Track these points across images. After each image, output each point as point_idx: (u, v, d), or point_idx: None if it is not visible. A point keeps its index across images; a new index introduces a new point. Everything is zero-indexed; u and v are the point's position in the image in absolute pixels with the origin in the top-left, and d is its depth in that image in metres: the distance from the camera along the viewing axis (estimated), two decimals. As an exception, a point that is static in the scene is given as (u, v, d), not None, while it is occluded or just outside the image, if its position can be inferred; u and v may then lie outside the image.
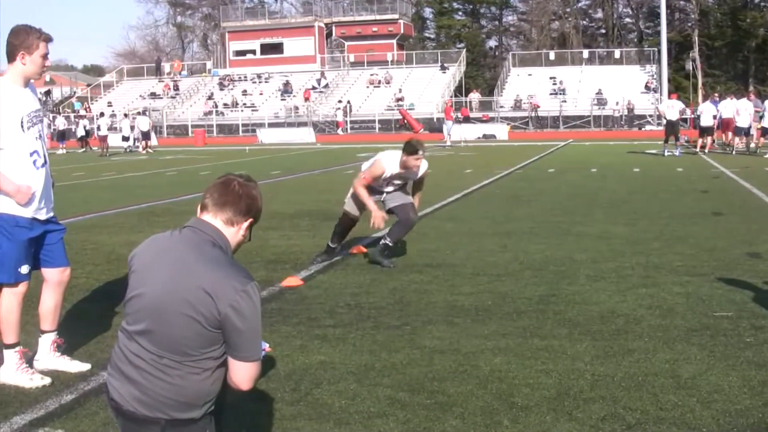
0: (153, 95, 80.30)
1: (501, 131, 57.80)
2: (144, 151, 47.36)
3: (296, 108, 72.80)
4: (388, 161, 10.43)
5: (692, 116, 37.21)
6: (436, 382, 6.04)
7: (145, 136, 49.01)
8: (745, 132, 34.07)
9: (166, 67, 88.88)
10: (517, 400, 5.65)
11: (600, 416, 5.35)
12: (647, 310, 8.04)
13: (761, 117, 34.69)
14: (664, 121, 34.98)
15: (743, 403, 5.54)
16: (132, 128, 50.73)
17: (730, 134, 34.78)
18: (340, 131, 68.05)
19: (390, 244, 10.66)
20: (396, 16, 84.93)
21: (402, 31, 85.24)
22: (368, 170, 10.53)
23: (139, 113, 55.99)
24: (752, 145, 35.10)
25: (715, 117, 34.73)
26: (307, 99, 74.36)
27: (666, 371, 6.19)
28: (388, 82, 76.89)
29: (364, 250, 11.54)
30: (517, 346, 6.90)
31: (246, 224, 3.75)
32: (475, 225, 14.07)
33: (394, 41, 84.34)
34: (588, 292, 8.87)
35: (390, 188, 10.74)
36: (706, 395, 5.68)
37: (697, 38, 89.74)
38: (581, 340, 7.03)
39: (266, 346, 4.67)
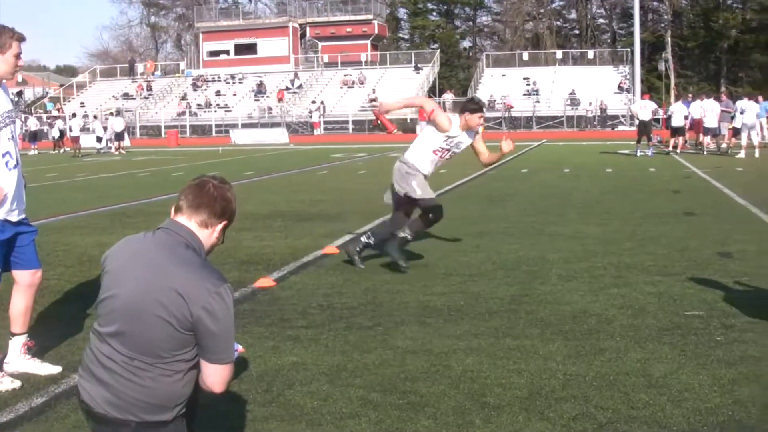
0: (126, 96, 79.89)
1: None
2: (117, 152, 47.16)
3: (270, 109, 72.65)
4: (453, 120, 10.05)
5: (664, 116, 37.34)
6: (409, 382, 6.05)
7: (119, 137, 48.80)
8: (714, 132, 34.26)
9: (139, 67, 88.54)
10: (489, 400, 5.66)
11: (572, 415, 5.37)
12: (619, 309, 8.08)
13: (732, 117, 34.91)
14: (637, 122, 35.14)
15: (713, 402, 5.57)
16: (105, 129, 50.51)
17: (700, 134, 35.04)
18: (317, 132, 68.01)
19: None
20: (370, 17, 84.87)
21: (376, 32, 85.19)
22: (437, 113, 10.04)
23: (112, 114, 55.75)
24: (723, 145, 35.31)
25: (686, 117, 34.91)
26: (280, 99, 74.24)
27: (637, 370, 6.22)
28: (362, 83, 76.84)
29: (337, 251, 11.53)
30: (489, 346, 6.91)
31: (220, 227, 3.73)
32: (448, 225, 14.03)
33: (369, 42, 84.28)
34: (560, 292, 8.90)
35: (437, 161, 10.28)
36: (677, 394, 5.72)
37: (669, 39, 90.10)
38: (553, 339, 7.06)
39: (239, 347, 4.67)
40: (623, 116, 64.91)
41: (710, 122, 33.79)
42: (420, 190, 10.02)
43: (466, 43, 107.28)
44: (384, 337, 7.23)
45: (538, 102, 70.17)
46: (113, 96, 79.82)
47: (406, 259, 10.31)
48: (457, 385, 5.96)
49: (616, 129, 63.13)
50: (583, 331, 7.31)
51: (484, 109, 9.94)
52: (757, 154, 31.13)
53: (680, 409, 5.45)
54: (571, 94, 69.51)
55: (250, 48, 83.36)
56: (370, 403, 5.64)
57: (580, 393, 5.76)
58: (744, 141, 32.19)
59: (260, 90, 76.93)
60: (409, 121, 63.87)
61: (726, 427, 5.16)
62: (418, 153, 10.16)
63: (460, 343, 6.99)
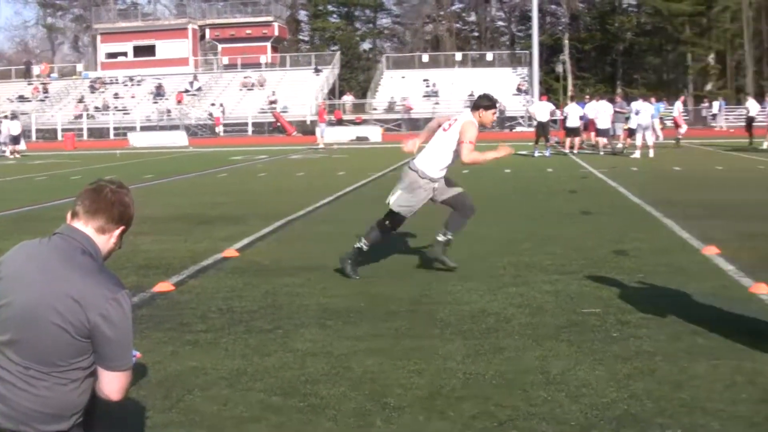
0: (22, 98, 78.42)
1: (374, 133, 58.02)
2: (12, 156, 46.19)
3: (169, 111, 71.97)
4: (473, 119, 9.81)
5: (561, 117, 37.93)
6: (309, 384, 6.03)
7: (15, 140, 47.76)
8: (607, 133, 34.84)
9: (35, 69, 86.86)
10: (390, 401, 5.67)
11: (472, 414, 5.41)
12: (517, 308, 8.16)
13: (627, 118, 35.58)
14: (535, 123, 35.57)
15: (610, 396, 5.66)
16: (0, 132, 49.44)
17: (593, 135, 35.68)
18: (218, 129, 67.67)
19: (452, 238, 10.12)
20: (270, 19, 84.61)
21: (276, 34, 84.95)
22: (471, 136, 9.59)
23: (7, 117, 54.54)
24: (619, 145, 35.94)
25: (581, 118, 35.45)
26: (179, 102, 73.56)
27: (536, 368, 6.29)
28: (261, 85, 76.51)
29: (237, 254, 11.45)
30: (389, 347, 6.93)
31: (118, 232, 3.67)
32: (348, 227, 14.03)
33: (269, 44, 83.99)
34: (459, 292, 8.96)
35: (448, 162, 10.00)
36: (575, 390, 5.80)
37: (567, 41, 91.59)
38: (453, 339, 7.10)
39: (136, 353, 4.60)
40: (522, 117, 65.73)
41: (603, 123, 34.39)
42: (397, 201, 9.97)
43: (366, 45, 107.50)
44: (284, 340, 7.20)
45: (438, 104, 70.68)
46: (8, 99, 78.16)
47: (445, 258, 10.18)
48: (358, 387, 5.96)
49: (514, 130, 63.86)
50: (482, 331, 7.36)
51: (498, 105, 9.79)
52: (651, 154, 31.73)
53: (578, 404, 5.53)
54: (470, 95, 69.96)
55: (149, 50, 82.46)
56: (270, 407, 5.61)
57: (479, 391, 5.81)
58: (639, 141, 32.79)
59: (159, 92, 76.15)
60: (308, 123, 63.88)
61: (622, 421, 5.25)
62: (438, 161, 9.86)
63: (360, 345, 6.99)
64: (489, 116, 9.82)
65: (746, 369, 6.17)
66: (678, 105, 42.80)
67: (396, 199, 9.92)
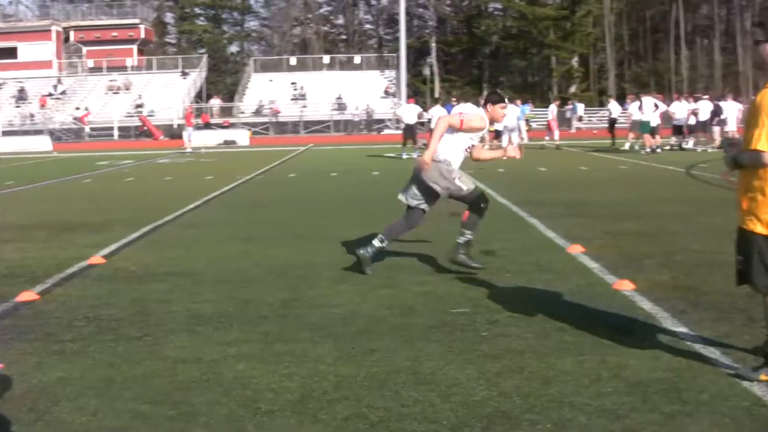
0: None
1: (242, 137, 57.64)
2: None
3: (32, 115, 70.28)
4: (483, 114, 9.74)
5: (428, 120, 38.24)
6: (180, 392, 5.95)
7: None
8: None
9: None
10: (262, 406, 5.64)
11: (344, 416, 5.41)
12: (388, 310, 8.20)
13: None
14: (403, 125, 35.80)
15: (480, 395, 5.74)
16: None
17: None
18: (87, 129, 66.49)
19: (472, 237, 10.06)
20: (136, 21, 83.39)
21: (143, 36, 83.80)
22: (469, 120, 9.59)
23: None
24: (487, 146, 36.43)
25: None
26: (43, 106, 71.93)
27: (407, 368, 6.33)
28: (127, 89, 75.34)
29: (104, 260, 11.26)
30: (260, 351, 6.89)
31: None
32: (216, 231, 13.98)
33: (135, 46, 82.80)
34: (329, 294, 8.96)
35: (464, 158, 10.01)
36: (446, 389, 5.85)
37: (434, 44, 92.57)
38: (324, 342, 7.10)
39: (-1, 364, 4.50)
40: (389, 120, 66.11)
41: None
42: (465, 186, 9.78)
43: (233, 48, 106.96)
44: (153, 348, 7.10)
45: (306, 107, 70.69)
46: None
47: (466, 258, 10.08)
48: (229, 393, 5.91)
49: (382, 133, 64.22)
50: (353, 333, 7.38)
51: (506, 100, 9.87)
52: (517, 156, 32.17)
53: (449, 403, 5.58)
54: (338, 98, 70.34)
55: (11, 52, 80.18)
56: (140, 416, 5.52)
57: (351, 394, 5.82)
58: (505, 143, 33.30)
59: (21, 96, 74.33)
60: (176, 126, 63.18)
61: (492, 418, 5.32)
62: (452, 153, 9.80)
63: (230, 350, 6.94)
64: (498, 111, 9.83)
65: (611, 363, 6.33)
66: (552, 108, 43.79)
67: (441, 190, 9.83)
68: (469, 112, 9.86)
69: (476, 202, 9.93)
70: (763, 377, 5.85)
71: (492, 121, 9.98)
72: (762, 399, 5.55)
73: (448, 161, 9.76)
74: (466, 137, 9.78)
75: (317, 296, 8.91)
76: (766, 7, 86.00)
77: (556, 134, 41.50)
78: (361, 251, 10.05)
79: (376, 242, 10.07)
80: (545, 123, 41.41)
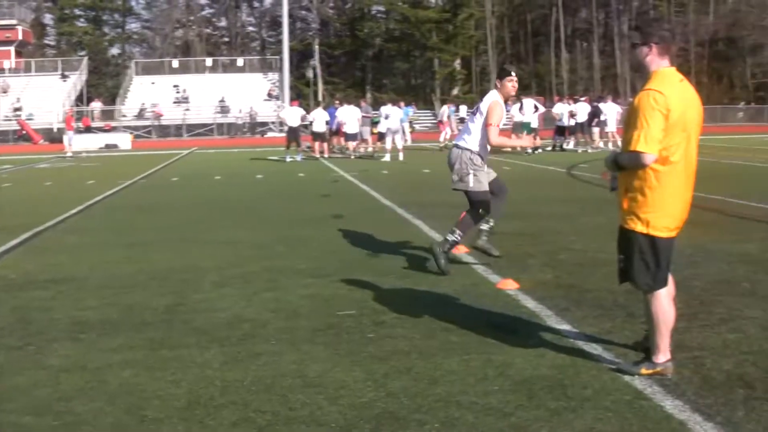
0: None
1: (124, 141, 56.74)
2: None
3: None
4: (498, 97, 9.81)
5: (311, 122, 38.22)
6: (63, 401, 5.83)
7: None
8: (354, 138, 35.39)
9: None
10: (148, 413, 5.56)
11: (231, 421, 5.38)
12: (273, 313, 8.17)
13: (375, 122, 36.34)
14: (286, 128, 35.71)
15: (368, 396, 5.76)
16: None
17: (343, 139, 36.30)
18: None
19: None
20: (14, 22, 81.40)
21: (21, 38, 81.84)
22: (495, 117, 9.72)
23: None
24: (369, 149, 36.63)
25: (328, 123, 35.90)
26: None
27: (293, 372, 6.32)
28: (5, 92, 73.60)
29: None
30: (145, 358, 6.80)
31: None
32: (98, 237, 13.76)
33: (12, 48, 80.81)
34: (214, 299, 8.90)
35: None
36: (333, 392, 5.86)
37: (317, 47, 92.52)
38: (209, 347, 7.04)
39: None
40: (273, 123, 65.93)
41: (351, 128, 34.93)
42: (473, 184, 9.93)
43: (115, 51, 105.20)
44: (36, 357, 6.94)
45: (188, 110, 70.05)
46: None
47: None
48: (114, 401, 5.82)
49: (265, 135, 64.02)
50: (238, 337, 7.33)
51: (513, 73, 9.85)
52: (401, 158, 32.50)
53: (337, 405, 5.59)
54: (221, 101, 69.88)
55: None
56: (22, 428, 5.40)
57: (238, 398, 5.78)
58: (389, 145, 33.49)
59: None
60: (56, 130, 61.98)
61: (381, 419, 5.34)
62: (484, 147, 9.96)
63: (115, 357, 6.83)
64: (507, 86, 9.87)
65: (496, 362, 6.41)
66: (445, 109, 44.30)
67: (473, 185, 9.97)
68: (491, 100, 9.92)
69: (475, 207, 10.10)
70: (643, 371, 6.00)
71: (506, 99, 10.05)
72: (643, 392, 5.70)
73: (480, 155, 9.96)
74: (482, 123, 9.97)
75: (202, 300, 8.84)
76: (643, 11, 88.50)
77: (448, 134, 41.98)
78: (479, 242, 10.43)
79: (484, 226, 10.36)
80: (437, 123, 41.90)
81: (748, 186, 20.23)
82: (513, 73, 9.89)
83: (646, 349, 6.18)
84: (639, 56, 5.90)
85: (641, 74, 5.96)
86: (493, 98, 9.89)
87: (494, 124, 9.75)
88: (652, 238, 5.84)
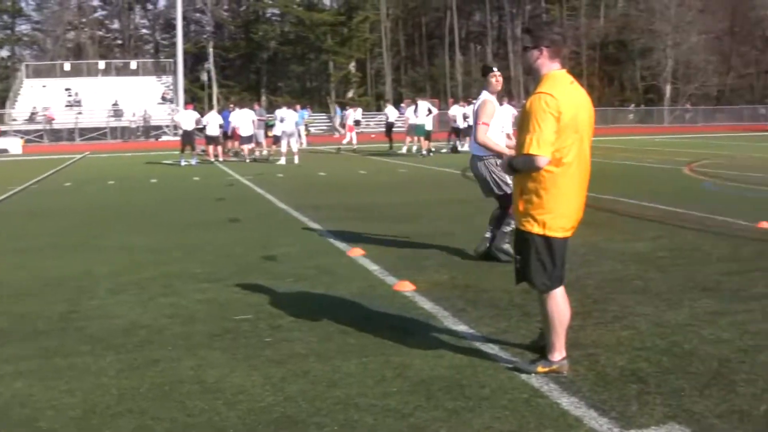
0: None
1: (14, 145, 55.53)
2: None
3: None
4: (488, 96, 9.92)
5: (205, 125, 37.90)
6: (-47, 413, 5.72)
7: None
8: (249, 141, 35.22)
9: None
10: (42, 425, 5.46)
11: (129, 430, 5.32)
12: (169, 319, 8.10)
13: (269, 125, 36.27)
14: (180, 132, 35.40)
15: (266, 400, 5.75)
16: None
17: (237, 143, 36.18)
18: None
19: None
20: None
21: None
22: (485, 115, 9.81)
23: None
24: (264, 152, 36.52)
25: (221, 126, 35.71)
26: None
27: (191, 377, 6.28)
28: None
29: None
30: (38, 367, 6.67)
31: None
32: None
33: None
34: (109, 305, 8.78)
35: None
36: (231, 396, 5.84)
37: (212, 50, 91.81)
38: (105, 355, 6.94)
39: None
40: (167, 126, 65.30)
41: (245, 131, 34.81)
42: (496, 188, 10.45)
43: (4, 53, 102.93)
44: (-77, 368, 6.78)
45: (81, 113, 68.91)
46: None
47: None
48: (6, 413, 5.70)
49: (160, 139, 63.36)
50: (134, 344, 7.25)
51: (495, 68, 10.07)
52: (296, 161, 32.44)
53: (235, 410, 5.57)
54: (114, 105, 68.91)
55: None
56: None
57: (135, 406, 5.72)
58: (284, 148, 33.40)
59: None
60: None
61: (280, 423, 5.34)
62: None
63: (7, 368, 6.68)
64: (491, 81, 10.13)
65: (395, 363, 6.45)
66: (350, 112, 44.50)
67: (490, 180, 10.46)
68: (481, 100, 10.15)
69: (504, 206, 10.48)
70: (540, 369, 6.09)
71: (494, 94, 10.23)
72: (539, 390, 5.79)
73: (492, 155, 10.20)
74: (497, 128, 10.24)
75: (97, 307, 8.72)
76: (535, 15, 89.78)
77: (349, 137, 42.11)
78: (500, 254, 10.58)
79: (505, 228, 10.58)
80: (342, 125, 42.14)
81: (638, 186, 20.67)
82: (495, 69, 10.23)
83: (541, 347, 6.28)
84: (530, 59, 5.99)
85: (533, 77, 6.05)
86: (482, 98, 10.14)
87: (483, 122, 9.96)
88: (548, 239, 5.93)
